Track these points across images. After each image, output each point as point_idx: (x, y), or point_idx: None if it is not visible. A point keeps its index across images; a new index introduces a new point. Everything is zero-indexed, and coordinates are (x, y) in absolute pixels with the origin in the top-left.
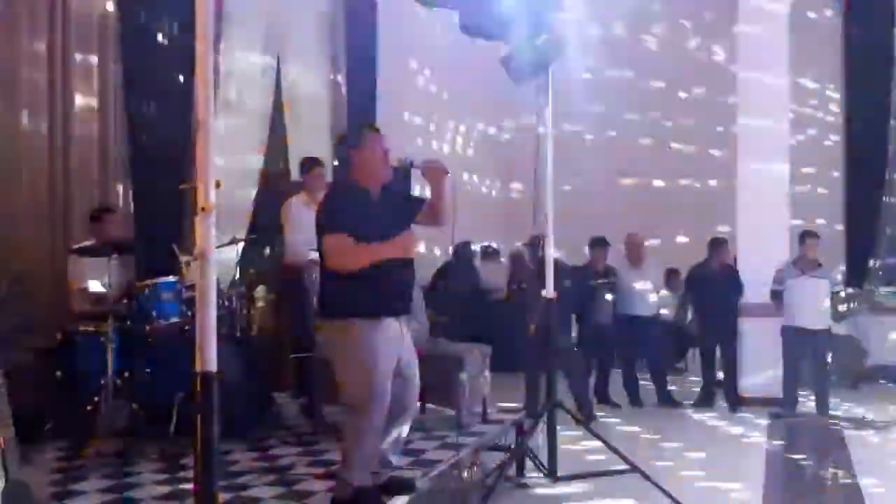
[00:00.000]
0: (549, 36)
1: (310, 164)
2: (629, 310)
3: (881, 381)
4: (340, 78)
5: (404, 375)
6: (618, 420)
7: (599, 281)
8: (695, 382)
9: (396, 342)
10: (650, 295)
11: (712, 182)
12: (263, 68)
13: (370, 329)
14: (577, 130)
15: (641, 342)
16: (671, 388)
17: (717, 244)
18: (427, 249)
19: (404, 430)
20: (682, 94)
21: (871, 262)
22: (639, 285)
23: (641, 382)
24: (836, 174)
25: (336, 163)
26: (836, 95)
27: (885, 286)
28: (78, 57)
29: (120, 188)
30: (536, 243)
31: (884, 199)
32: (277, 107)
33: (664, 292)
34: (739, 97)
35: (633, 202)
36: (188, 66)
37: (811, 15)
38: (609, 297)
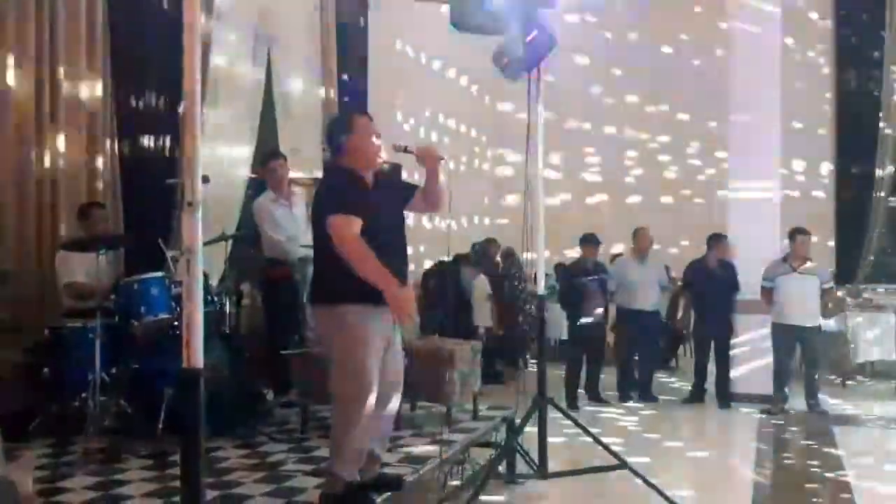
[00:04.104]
0: (540, 32)
1: (264, 158)
2: (631, 304)
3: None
4: (333, 71)
5: (389, 366)
6: (608, 416)
7: (589, 278)
8: (686, 378)
9: (387, 331)
10: (652, 290)
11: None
12: (253, 60)
13: (362, 316)
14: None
15: (641, 336)
16: (666, 381)
17: (716, 240)
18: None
19: (388, 427)
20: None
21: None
22: (641, 280)
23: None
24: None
25: (327, 150)
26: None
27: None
28: (66, 54)
29: (108, 183)
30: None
31: (873, 196)
32: (267, 99)
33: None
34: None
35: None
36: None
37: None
38: (599, 293)
